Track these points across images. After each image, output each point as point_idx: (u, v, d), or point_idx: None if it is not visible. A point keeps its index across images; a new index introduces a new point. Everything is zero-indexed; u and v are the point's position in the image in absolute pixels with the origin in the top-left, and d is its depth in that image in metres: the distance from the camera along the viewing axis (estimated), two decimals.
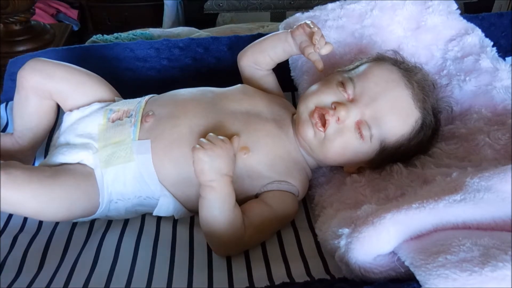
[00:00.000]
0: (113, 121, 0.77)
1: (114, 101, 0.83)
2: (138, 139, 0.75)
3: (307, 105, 0.75)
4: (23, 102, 0.82)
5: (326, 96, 0.74)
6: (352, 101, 0.74)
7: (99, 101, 0.82)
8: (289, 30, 0.81)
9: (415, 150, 0.77)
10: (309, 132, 0.74)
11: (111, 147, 0.75)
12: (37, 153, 0.90)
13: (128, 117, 0.77)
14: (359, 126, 0.73)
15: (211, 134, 0.70)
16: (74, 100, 0.81)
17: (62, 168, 0.73)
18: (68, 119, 0.81)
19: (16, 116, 0.84)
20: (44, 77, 0.79)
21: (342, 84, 0.75)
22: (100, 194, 0.74)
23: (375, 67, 0.77)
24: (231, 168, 0.69)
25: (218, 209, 0.67)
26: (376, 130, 0.73)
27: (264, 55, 0.85)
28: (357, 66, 0.79)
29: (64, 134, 0.79)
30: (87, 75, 0.83)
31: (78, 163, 0.75)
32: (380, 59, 0.80)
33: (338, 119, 0.72)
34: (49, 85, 0.80)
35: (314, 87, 0.78)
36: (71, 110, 0.81)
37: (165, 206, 0.75)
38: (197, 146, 0.67)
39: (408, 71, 0.77)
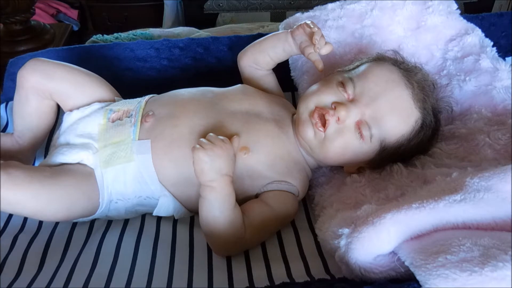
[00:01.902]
0: (113, 121, 0.77)
1: (114, 101, 0.83)
2: (138, 139, 0.74)
3: (307, 105, 0.75)
4: (23, 102, 0.82)
5: (326, 96, 0.74)
6: (352, 101, 0.73)
7: (99, 101, 0.82)
8: (289, 30, 0.81)
9: (415, 150, 0.77)
10: (309, 132, 0.74)
11: (111, 147, 0.75)
12: (37, 153, 0.89)
13: (128, 117, 0.77)
14: (359, 126, 0.73)
15: (211, 134, 0.70)
16: (74, 100, 0.81)
17: (62, 168, 0.73)
18: (68, 119, 0.81)
19: (16, 116, 0.84)
20: (44, 77, 0.79)
21: (342, 84, 0.75)
22: (100, 194, 0.74)
23: (375, 67, 0.77)
24: (231, 168, 0.69)
25: (218, 209, 0.67)
26: (376, 130, 0.73)
27: (264, 55, 0.85)
28: (357, 66, 0.79)
29: (64, 134, 0.79)
30: (87, 75, 0.83)
31: (78, 163, 0.74)
32: (380, 59, 0.80)
33: (338, 119, 0.72)
34: (49, 85, 0.80)
35: (314, 87, 0.78)
36: (71, 110, 0.81)
37: (165, 206, 0.75)
38: (197, 146, 0.67)
39: (408, 71, 0.77)
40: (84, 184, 0.73)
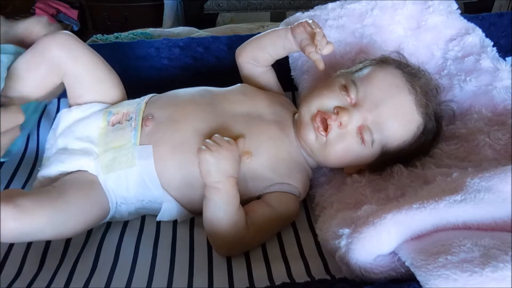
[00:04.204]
0: (113, 125, 0.76)
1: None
2: (139, 144, 0.73)
3: (309, 108, 0.75)
4: (33, 67, 0.75)
5: (329, 100, 0.74)
6: (354, 105, 0.73)
7: (104, 102, 0.80)
8: (289, 27, 0.80)
9: (415, 153, 0.77)
10: (311, 136, 0.74)
11: (111, 152, 0.73)
12: (34, 156, 0.89)
13: (128, 120, 0.76)
14: (361, 131, 0.72)
15: (216, 135, 0.70)
16: (84, 93, 0.78)
17: (66, 183, 0.71)
18: (65, 119, 0.78)
19: (16, 73, 0.74)
20: (68, 58, 0.75)
21: (345, 88, 0.74)
22: (109, 199, 0.73)
23: (379, 71, 0.76)
24: (236, 169, 0.69)
25: (222, 210, 0.67)
26: (378, 135, 0.72)
27: (263, 52, 0.84)
28: (360, 69, 0.78)
29: (62, 137, 0.77)
30: (108, 73, 0.80)
31: (79, 170, 0.73)
32: (384, 61, 0.79)
33: (340, 124, 0.72)
34: (69, 67, 0.76)
35: (316, 89, 0.78)
36: (70, 106, 0.79)
37: (168, 211, 0.75)
38: (203, 147, 0.67)
39: (412, 76, 0.76)
40: (92, 193, 0.71)
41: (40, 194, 0.66)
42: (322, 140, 0.73)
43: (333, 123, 0.72)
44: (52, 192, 0.68)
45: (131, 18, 2.21)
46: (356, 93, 0.73)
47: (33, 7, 1.63)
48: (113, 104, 0.81)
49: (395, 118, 0.73)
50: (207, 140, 0.68)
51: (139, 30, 1.33)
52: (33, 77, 0.75)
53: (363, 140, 0.72)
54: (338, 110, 0.72)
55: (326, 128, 0.72)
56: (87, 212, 0.69)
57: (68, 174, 0.73)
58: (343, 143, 0.73)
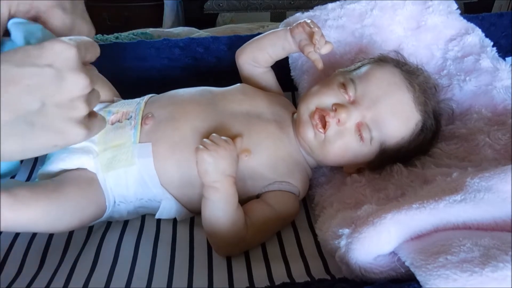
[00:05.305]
0: (112, 124, 0.76)
1: (113, 101, 0.82)
2: (139, 142, 0.73)
3: (307, 106, 0.75)
4: None
5: (327, 98, 0.74)
6: (353, 103, 0.73)
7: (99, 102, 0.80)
8: (288, 28, 0.81)
9: (415, 152, 0.77)
10: (309, 133, 0.74)
11: (111, 151, 0.73)
12: (37, 158, 0.89)
13: (128, 119, 0.76)
14: (359, 128, 0.72)
15: (214, 134, 0.70)
16: None
17: (64, 178, 0.70)
18: None
19: None
20: None
21: (344, 86, 0.74)
22: (106, 198, 0.73)
23: (377, 69, 0.76)
24: (235, 169, 0.69)
25: (221, 210, 0.67)
26: (377, 132, 0.73)
27: (263, 53, 0.84)
28: (359, 67, 0.79)
29: None
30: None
31: (79, 168, 0.73)
32: (382, 60, 0.80)
33: (339, 121, 0.72)
34: None
35: (315, 87, 0.78)
36: None
37: (167, 210, 0.75)
38: (200, 146, 0.67)
39: (410, 73, 0.76)
40: (90, 191, 0.71)
41: (37, 186, 0.66)
42: (320, 138, 0.73)
43: (331, 120, 0.72)
44: (49, 185, 0.68)
45: (131, 18, 2.21)
46: (354, 90, 0.74)
47: None
48: (107, 101, 0.81)
49: (393, 115, 0.73)
50: (204, 139, 0.68)
51: (139, 30, 1.33)
52: None
53: (361, 138, 0.73)
54: (336, 107, 0.72)
55: (324, 125, 0.72)
56: (82, 208, 0.69)
57: (67, 172, 0.73)
58: (342, 141, 0.73)
